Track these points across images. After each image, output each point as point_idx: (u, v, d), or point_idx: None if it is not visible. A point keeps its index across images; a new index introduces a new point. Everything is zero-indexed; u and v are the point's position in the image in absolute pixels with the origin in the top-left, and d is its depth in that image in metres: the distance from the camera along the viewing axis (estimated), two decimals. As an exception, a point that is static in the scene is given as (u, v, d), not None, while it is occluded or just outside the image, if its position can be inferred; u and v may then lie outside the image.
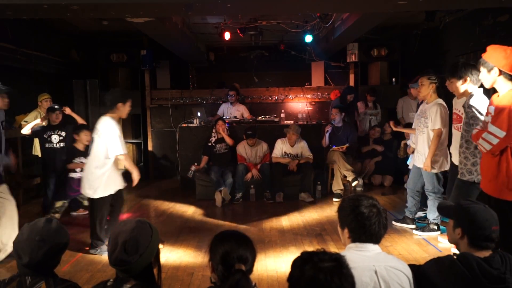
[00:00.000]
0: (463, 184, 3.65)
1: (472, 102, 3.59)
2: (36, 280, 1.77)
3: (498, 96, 3.08)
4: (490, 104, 3.19)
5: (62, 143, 5.60)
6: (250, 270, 1.70)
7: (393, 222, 4.92)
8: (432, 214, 4.53)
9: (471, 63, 3.91)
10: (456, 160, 4.06)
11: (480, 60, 3.13)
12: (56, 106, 5.64)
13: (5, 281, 1.79)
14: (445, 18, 6.91)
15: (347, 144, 6.50)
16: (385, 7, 4.81)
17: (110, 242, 1.72)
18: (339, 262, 1.41)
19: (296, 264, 1.45)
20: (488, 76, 3.06)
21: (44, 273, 1.80)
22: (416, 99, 4.98)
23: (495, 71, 3.01)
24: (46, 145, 5.58)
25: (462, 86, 3.87)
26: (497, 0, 4.39)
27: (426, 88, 4.42)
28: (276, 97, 8.75)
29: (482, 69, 3.11)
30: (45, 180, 5.72)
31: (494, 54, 3.03)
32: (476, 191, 3.51)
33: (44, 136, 5.55)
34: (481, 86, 3.62)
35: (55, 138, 5.56)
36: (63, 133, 5.62)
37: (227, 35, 7.38)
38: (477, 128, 3.33)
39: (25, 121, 6.20)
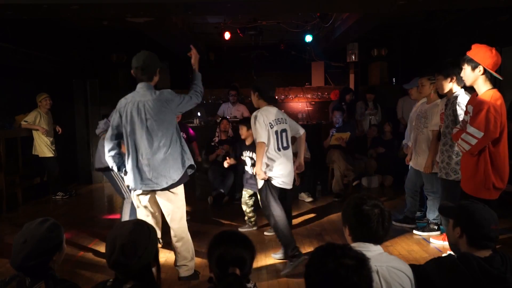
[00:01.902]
0: (449, 185, 3.60)
1: (459, 100, 3.63)
2: (35, 280, 1.76)
3: (477, 95, 3.08)
4: (469, 103, 3.20)
5: None
6: (248, 271, 1.71)
7: (393, 222, 4.91)
8: (432, 214, 4.52)
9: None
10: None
11: (465, 57, 3.11)
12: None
13: (5, 281, 1.78)
14: (445, 18, 6.91)
15: (349, 132, 6.36)
16: (385, 7, 4.82)
17: (108, 245, 1.70)
18: (362, 262, 1.39)
19: (318, 253, 1.42)
20: (471, 73, 3.06)
21: (30, 275, 1.76)
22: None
23: (480, 69, 3.02)
24: None
25: (448, 84, 3.85)
26: (497, 0, 4.40)
27: (427, 89, 4.41)
28: (276, 97, 8.74)
29: (466, 66, 3.09)
30: None
31: (480, 53, 3.03)
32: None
33: None
34: (464, 86, 3.63)
35: None
36: None
37: (227, 35, 7.39)
38: (457, 127, 3.34)
39: (25, 121, 6.20)
